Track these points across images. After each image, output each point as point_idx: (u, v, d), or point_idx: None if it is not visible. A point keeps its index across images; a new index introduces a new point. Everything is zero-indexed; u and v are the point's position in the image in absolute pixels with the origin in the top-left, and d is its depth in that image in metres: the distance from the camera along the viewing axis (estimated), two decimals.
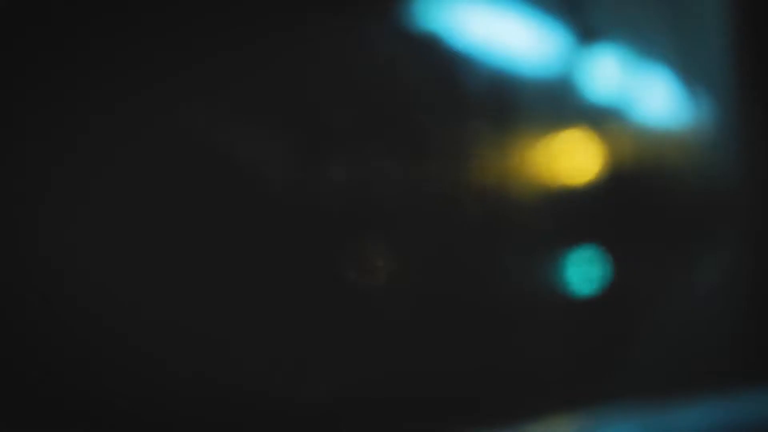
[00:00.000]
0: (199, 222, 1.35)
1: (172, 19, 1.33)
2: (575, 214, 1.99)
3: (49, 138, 1.21)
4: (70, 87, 1.23)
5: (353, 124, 1.52)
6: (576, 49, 1.97)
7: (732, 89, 2.37)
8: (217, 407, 1.35)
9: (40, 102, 1.22)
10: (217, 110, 1.37)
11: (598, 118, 2.02)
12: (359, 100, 1.54)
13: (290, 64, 1.44)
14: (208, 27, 1.36)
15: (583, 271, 1.75)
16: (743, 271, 2.37)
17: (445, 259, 1.70)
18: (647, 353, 2.07)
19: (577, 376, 1.94)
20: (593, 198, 2.04)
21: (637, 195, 2.11)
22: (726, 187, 2.35)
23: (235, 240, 1.38)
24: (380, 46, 1.58)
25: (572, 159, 1.99)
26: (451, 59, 1.72)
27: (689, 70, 2.25)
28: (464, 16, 1.77)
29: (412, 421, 1.59)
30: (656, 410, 1.92)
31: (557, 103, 1.95)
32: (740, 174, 2.39)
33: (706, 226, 2.32)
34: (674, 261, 2.25)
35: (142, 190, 1.28)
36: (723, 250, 2.35)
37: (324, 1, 1.48)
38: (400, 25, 1.64)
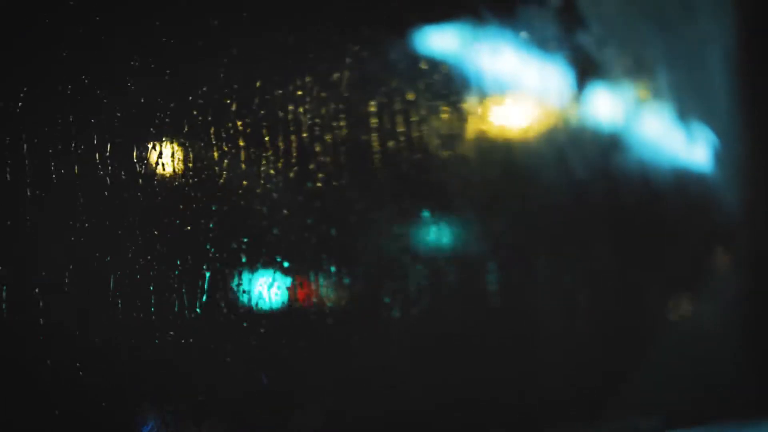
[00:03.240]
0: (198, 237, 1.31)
1: (170, 25, 1.30)
2: (587, 239, 1.96)
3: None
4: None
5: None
6: (575, 76, 1.95)
7: (732, 114, 2.34)
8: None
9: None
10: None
11: (597, 143, 1.99)
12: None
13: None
14: (200, 42, 1.33)
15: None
16: (747, 294, 2.34)
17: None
18: (654, 381, 2.04)
19: (583, 405, 1.90)
20: (595, 221, 2.01)
21: (640, 218, 2.09)
22: (728, 209, 2.33)
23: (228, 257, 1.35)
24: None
25: (574, 182, 1.96)
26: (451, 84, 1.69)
27: (690, 95, 2.23)
28: (465, 47, 1.74)
29: None
30: None
31: (554, 125, 1.92)
32: (741, 197, 2.36)
33: (709, 250, 2.29)
34: (682, 285, 2.22)
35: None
36: (727, 275, 2.32)
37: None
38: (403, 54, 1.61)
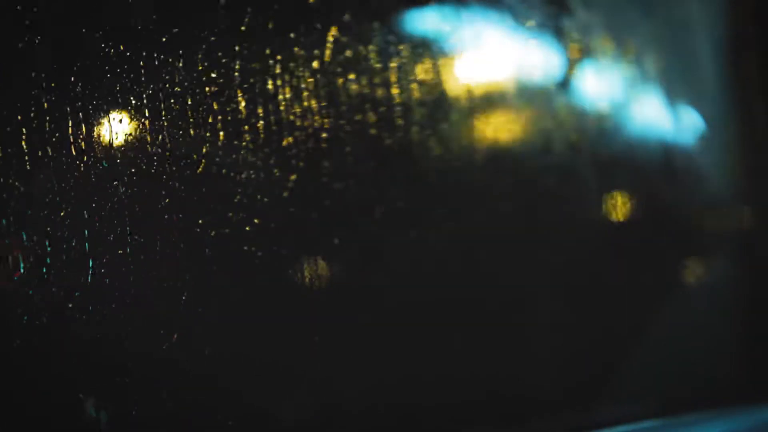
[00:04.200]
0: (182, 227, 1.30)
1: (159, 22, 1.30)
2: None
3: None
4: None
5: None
6: (565, 59, 1.95)
7: (723, 99, 2.34)
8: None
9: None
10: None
11: (588, 126, 1.98)
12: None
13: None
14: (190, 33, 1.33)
15: None
16: (741, 282, 2.34)
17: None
18: (647, 371, 2.03)
19: (574, 396, 1.90)
20: (584, 203, 2.01)
21: (632, 206, 2.08)
22: (719, 195, 2.33)
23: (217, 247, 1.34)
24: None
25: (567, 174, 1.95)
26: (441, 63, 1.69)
27: (681, 80, 2.22)
28: (456, 26, 1.73)
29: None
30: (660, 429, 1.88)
31: (547, 109, 1.91)
32: (733, 182, 2.36)
33: (703, 236, 2.29)
34: (674, 271, 2.22)
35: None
36: (720, 260, 2.32)
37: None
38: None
